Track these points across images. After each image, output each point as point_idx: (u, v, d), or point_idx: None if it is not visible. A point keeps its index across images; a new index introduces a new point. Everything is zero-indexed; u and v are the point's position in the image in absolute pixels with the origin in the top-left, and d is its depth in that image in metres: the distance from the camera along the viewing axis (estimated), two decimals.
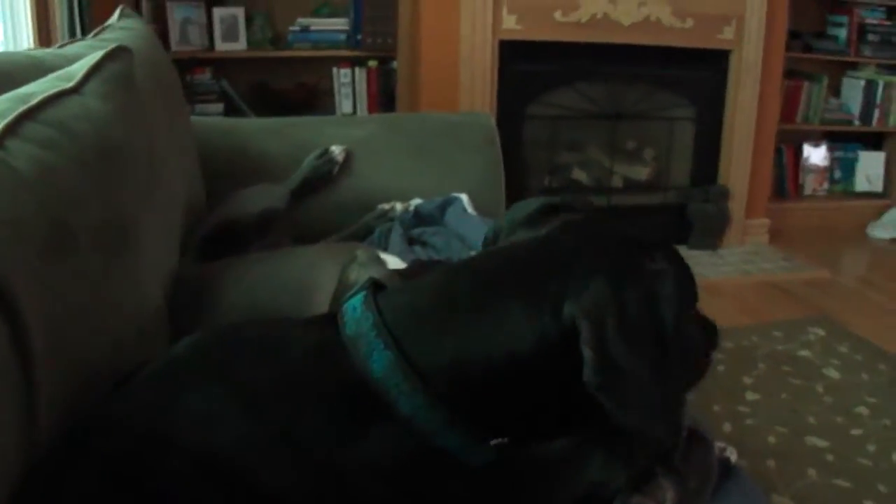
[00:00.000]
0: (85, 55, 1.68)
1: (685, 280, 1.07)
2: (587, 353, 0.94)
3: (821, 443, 2.77)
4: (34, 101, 1.24)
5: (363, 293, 1.08)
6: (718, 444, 1.28)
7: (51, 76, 1.39)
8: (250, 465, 0.95)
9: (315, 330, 1.09)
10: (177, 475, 0.95)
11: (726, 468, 1.28)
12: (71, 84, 1.34)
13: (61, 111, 1.26)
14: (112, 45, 1.52)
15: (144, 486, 0.94)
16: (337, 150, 2.50)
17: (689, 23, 4.40)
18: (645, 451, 1.10)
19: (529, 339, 0.98)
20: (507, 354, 0.98)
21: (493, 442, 1.01)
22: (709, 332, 1.17)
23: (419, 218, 2.36)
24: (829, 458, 2.68)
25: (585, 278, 0.99)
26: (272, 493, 0.95)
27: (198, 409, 0.99)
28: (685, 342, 1.02)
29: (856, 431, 2.86)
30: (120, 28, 2.15)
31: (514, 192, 2.82)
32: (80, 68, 1.40)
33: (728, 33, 4.49)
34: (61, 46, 1.97)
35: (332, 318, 1.08)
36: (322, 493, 0.97)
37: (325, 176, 2.48)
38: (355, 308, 1.06)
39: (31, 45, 3.19)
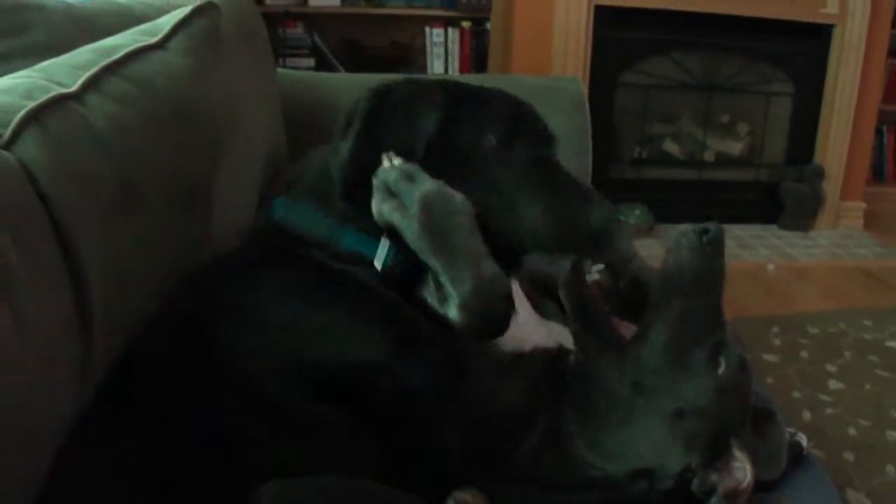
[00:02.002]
0: (172, 4, 1.68)
1: None
2: None
3: None
4: (118, 55, 1.24)
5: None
6: (788, 430, 1.27)
7: (137, 29, 1.39)
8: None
9: None
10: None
11: (797, 455, 1.25)
12: (156, 39, 1.34)
13: (144, 66, 1.27)
14: (201, 1, 1.50)
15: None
16: None
17: None
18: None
19: None
20: None
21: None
22: None
23: None
24: None
25: None
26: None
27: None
28: None
29: None
30: None
31: (604, 160, 2.78)
32: (166, 22, 1.40)
33: (832, 7, 4.36)
34: None
35: None
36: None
37: None
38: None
39: None
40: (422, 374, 1.05)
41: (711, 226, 1.16)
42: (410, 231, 1.09)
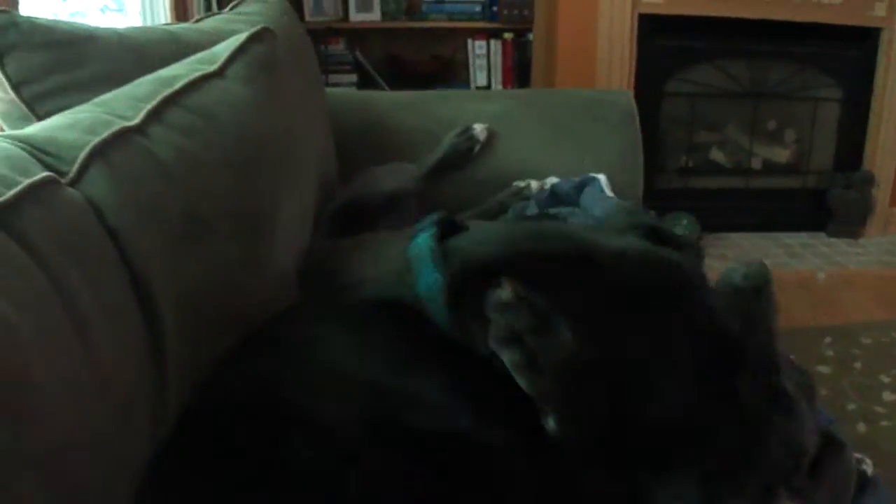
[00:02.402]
0: (221, 29, 1.69)
1: None
2: None
3: None
4: (178, 85, 1.25)
5: (431, 227, 1.20)
6: (856, 455, 1.23)
7: (194, 58, 1.40)
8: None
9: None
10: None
11: (863, 482, 1.23)
12: (214, 67, 1.35)
13: (204, 96, 1.27)
14: (257, 27, 1.51)
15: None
16: (478, 129, 2.47)
17: None
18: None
19: None
20: None
21: None
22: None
23: (555, 197, 2.31)
24: None
25: None
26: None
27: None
28: None
29: None
30: (256, 0, 2.15)
31: (650, 171, 2.76)
32: (224, 50, 1.41)
33: (879, 10, 4.30)
34: (198, 21, 1.99)
35: None
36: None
37: (465, 154, 2.45)
38: (423, 236, 1.18)
39: (168, 20, 3.22)
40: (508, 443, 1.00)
41: (756, 269, 1.13)
42: (533, 391, 0.98)
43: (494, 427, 0.99)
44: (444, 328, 1.07)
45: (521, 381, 0.98)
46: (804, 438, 1.09)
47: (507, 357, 0.99)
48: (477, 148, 2.46)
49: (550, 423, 0.98)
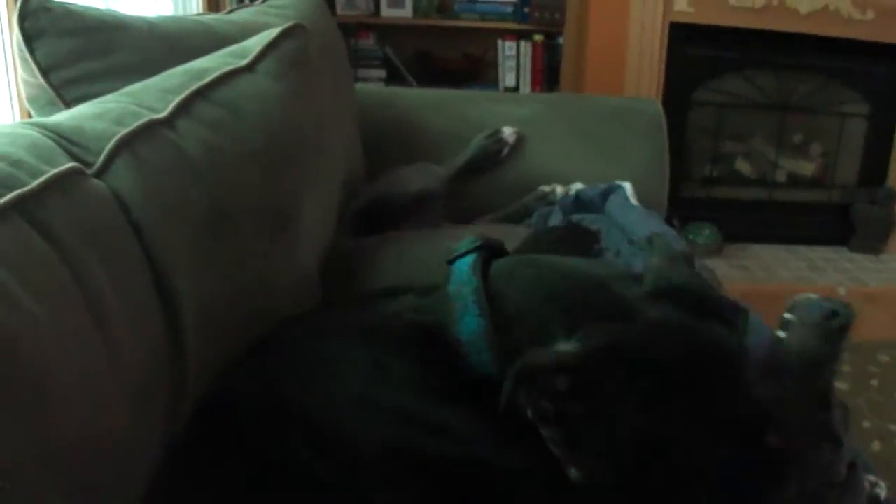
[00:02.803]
0: (254, 21, 1.68)
1: None
2: None
3: None
4: (208, 79, 1.25)
5: (472, 258, 1.17)
6: (869, 478, 1.21)
7: (226, 51, 1.40)
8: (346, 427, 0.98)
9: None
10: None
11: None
12: (245, 62, 1.35)
13: (233, 90, 1.27)
14: (288, 22, 1.51)
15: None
16: (508, 132, 2.47)
17: (870, 14, 4.19)
18: None
19: None
20: None
21: None
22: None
23: (580, 203, 2.30)
24: None
25: None
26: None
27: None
28: None
29: None
30: None
31: (674, 179, 2.75)
32: (255, 45, 1.41)
33: None
34: (230, 12, 1.99)
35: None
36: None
37: (493, 156, 2.45)
38: (462, 269, 1.16)
39: (200, 10, 3.23)
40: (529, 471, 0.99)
41: (842, 308, 1.09)
42: (566, 462, 0.97)
43: (517, 454, 0.98)
44: (480, 370, 1.06)
45: (556, 451, 0.97)
46: (839, 470, 1.08)
47: (546, 433, 0.98)
48: (506, 151, 2.46)
49: (574, 473, 0.97)
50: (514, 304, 1.11)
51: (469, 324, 1.09)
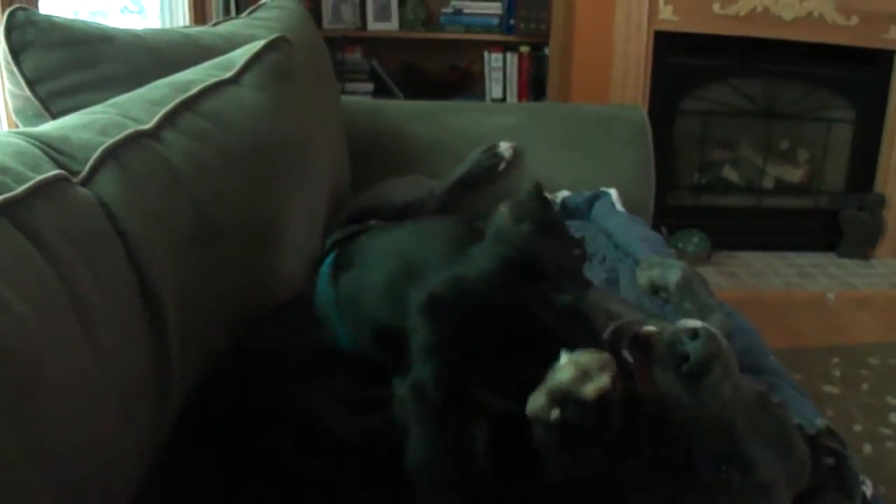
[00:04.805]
0: (239, 34, 1.69)
1: None
2: None
3: None
4: (193, 91, 1.26)
5: (327, 263, 1.24)
6: (857, 477, 1.21)
7: (210, 63, 1.41)
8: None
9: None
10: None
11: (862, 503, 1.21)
12: (230, 74, 1.36)
13: (218, 102, 1.28)
14: (273, 34, 1.52)
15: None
16: (504, 146, 2.46)
17: (854, 20, 4.22)
18: None
19: None
20: None
21: None
22: None
23: (566, 211, 2.32)
24: None
25: None
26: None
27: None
28: None
29: None
30: (273, 7, 2.16)
31: (662, 188, 2.76)
32: (239, 57, 1.42)
33: (894, 33, 4.29)
34: (215, 24, 2.00)
35: None
36: None
37: (489, 171, 2.45)
38: (322, 280, 1.22)
39: (187, 23, 3.24)
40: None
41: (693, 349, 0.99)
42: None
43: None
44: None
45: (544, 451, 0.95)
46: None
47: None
48: (502, 165, 2.46)
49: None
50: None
51: (343, 335, 1.15)
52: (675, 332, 1.00)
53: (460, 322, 1.01)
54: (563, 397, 0.88)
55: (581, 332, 1.04)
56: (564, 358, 0.90)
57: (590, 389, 0.87)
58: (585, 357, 0.90)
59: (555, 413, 0.88)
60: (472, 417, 0.97)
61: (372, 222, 1.34)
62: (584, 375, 0.88)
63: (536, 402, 0.90)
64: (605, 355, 0.91)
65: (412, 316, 1.02)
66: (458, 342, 0.99)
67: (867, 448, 2.76)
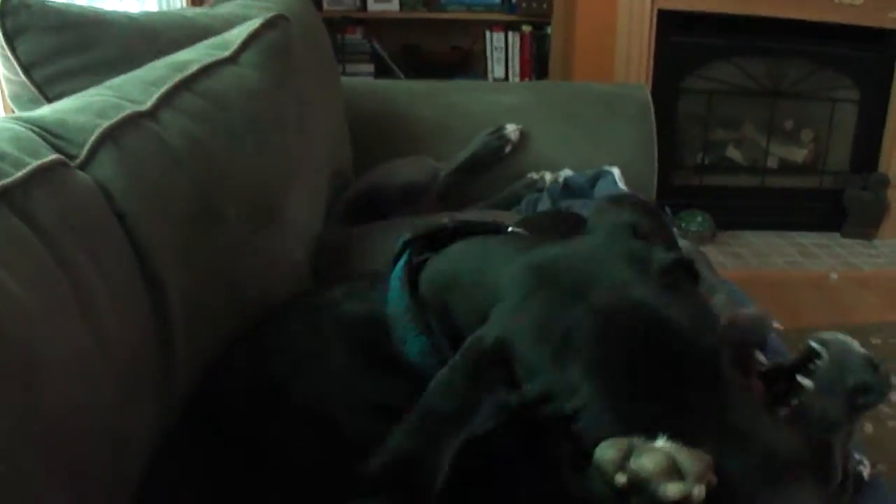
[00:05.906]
0: (236, 15, 1.69)
1: None
2: None
3: None
4: (190, 70, 1.26)
5: (401, 265, 1.10)
6: (854, 456, 1.19)
7: (207, 43, 1.40)
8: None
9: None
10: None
11: (858, 483, 1.19)
12: (227, 53, 1.35)
13: (216, 81, 1.28)
14: (271, 13, 1.51)
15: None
16: (510, 129, 2.47)
17: None
18: None
19: None
20: None
21: None
22: None
23: (568, 190, 2.31)
24: None
25: None
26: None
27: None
28: None
29: None
30: None
31: (666, 168, 2.75)
32: (237, 36, 1.41)
33: None
34: (214, 6, 1.98)
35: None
36: None
37: (495, 153, 2.45)
38: (395, 284, 1.08)
39: (185, 5, 3.22)
40: None
41: (876, 383, 0.97)
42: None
43: None
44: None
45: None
46: None
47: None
48: (508, 148, 2.46)
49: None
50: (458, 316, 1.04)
51: (412, 345, 1.04)
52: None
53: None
54: (636, 481, 0.81)
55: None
56: (661, 441, 0.82)
57: (671, 490, 0.79)
58: (684, 455, 0.80)
59: (620, 478, 0.81)
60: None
61: (445, 220, 1.23)
62: (671, 472, 0.80)
63: (608, 454, 0.82)
64: (708, 459, 0.81)
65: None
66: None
67: (868, 427, 2.75)
